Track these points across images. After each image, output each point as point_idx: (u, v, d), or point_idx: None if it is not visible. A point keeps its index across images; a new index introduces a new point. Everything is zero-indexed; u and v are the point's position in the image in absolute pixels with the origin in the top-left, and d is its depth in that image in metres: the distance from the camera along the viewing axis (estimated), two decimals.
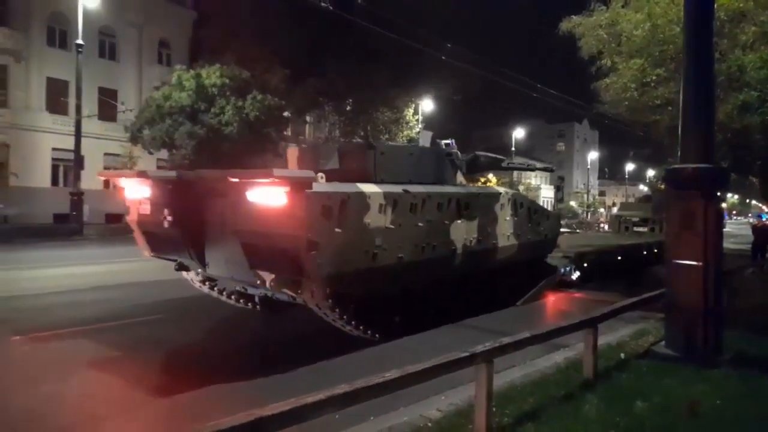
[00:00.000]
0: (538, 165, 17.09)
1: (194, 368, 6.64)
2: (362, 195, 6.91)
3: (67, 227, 23.45)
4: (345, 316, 7.08)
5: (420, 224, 7.78)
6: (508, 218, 9.93)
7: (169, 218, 7.27)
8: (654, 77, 13.96)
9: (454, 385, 5.38)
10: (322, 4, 17.47)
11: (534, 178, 71.71)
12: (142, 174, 7.62)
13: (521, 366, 6.40)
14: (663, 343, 7.08)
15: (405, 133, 36.03)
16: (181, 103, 25.98)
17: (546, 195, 78.01)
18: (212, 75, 26.24)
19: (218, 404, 5.31)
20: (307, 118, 36.28)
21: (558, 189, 14.05)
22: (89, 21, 26.08)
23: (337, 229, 6.44)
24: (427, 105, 37.78)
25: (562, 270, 13.37)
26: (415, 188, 7.85)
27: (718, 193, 6.82)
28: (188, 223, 7.27)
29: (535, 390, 5.44)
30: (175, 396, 5.58)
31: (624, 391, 5.47)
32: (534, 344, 5.31)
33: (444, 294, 8.94)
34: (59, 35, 31.35)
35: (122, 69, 34.06)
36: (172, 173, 7.32)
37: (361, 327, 7.36)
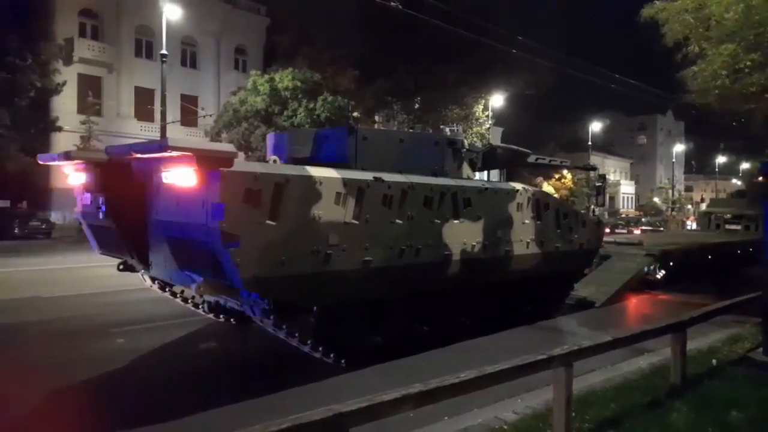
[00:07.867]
0: (579, 164, 15.43)
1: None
2: (309, 180, 5.53)
3: None
4: (297, 334, 5.98)
5: (398, 221, 6.39)
6: (527, 221, 8.38)
7: (103, 208, 6.29)
8: (748, 63, 12.92)
9: (530, 388, 5.26)
10: (392, 3, 17.50)
11: (613, 174, 68.52)
12: (68, 156, 6.30)
13: (602, 370, 6.17)
14: (761, 350, 6.59)
15: (474, 129, 35.55)
16: (256, 107, 27.09)
17: (626, 191, 74.35)
18: (285, 79, 27.11)
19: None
20: (376, 118, 36.61)
21: (599, 192, 12.94)
22: (172, 32, 27.56)
23: (269, 221, 5.19)
24: (497, 101, 36.99)
25: (646, 269, 12.72)
26: (392, 177, 6.42)
27: None
28: (123, 214, 6.25)
29: (618, 395, 5.22)
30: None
31: (716, 400, 5.13)
32: (615, 348, 5.07)
33: (438, 310, 7.60)
34: (145, 46, 33.60)
35: (202, 76, 35.99)
36: (102, 154, 6.21)
37: (320, 348, 6.20)
